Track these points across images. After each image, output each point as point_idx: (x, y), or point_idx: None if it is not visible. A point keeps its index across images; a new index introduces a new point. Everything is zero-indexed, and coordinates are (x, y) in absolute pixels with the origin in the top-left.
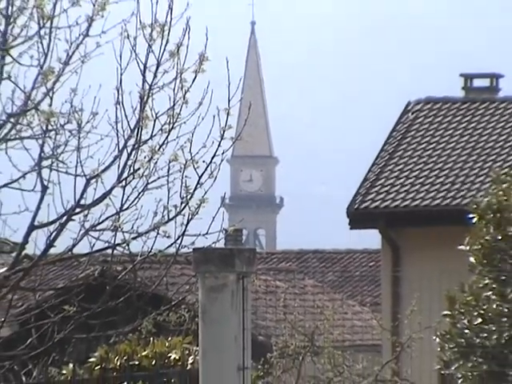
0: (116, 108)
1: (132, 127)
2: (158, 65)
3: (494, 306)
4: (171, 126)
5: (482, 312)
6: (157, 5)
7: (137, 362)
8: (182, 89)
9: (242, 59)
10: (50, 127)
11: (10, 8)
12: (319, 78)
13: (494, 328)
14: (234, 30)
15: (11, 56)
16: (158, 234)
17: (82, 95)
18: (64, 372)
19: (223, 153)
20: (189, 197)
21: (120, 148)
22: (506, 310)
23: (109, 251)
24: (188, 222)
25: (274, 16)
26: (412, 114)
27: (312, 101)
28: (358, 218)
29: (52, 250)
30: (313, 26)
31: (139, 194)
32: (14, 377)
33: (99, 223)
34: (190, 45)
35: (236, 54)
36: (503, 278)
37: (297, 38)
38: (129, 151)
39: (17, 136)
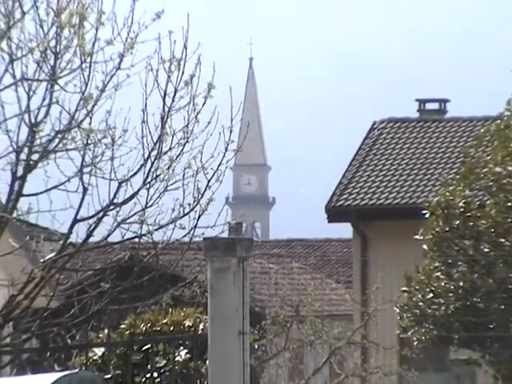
0: (142, 126)
1: (155, 141)
2: (175, 92)
3: (443, 284)
4: (186, 140)
5: (433, 289)
6: (174, 44)
7: (158, 328)
8: (194, 111)
9: (242, 87)
10: (89, 141)
11: (58, 46)
12: (302, 101)
13: (442, 301)
14: (236, 64)
15: (59, 85)
16: (175, 226)
17: (115, 116)
18: (100, 336)
19: (227, 162)
20: (200, 197)
21: (145, 158)
22: (452, 287)
23: (136, 240)
24: (199, 217)
25: (267, 53)
26: (377, 130)
27: (297, 120)
28: (334, 213)
29: (91, 239)
30: (297, 59)
31: (160, 194)
32: (60, 339)
33: (128, 218)
34: (200, 76)
35: (237, 83)
36: (449, 261)
37: (285, 69)
38: (152, 160)
39: (63, 148)
